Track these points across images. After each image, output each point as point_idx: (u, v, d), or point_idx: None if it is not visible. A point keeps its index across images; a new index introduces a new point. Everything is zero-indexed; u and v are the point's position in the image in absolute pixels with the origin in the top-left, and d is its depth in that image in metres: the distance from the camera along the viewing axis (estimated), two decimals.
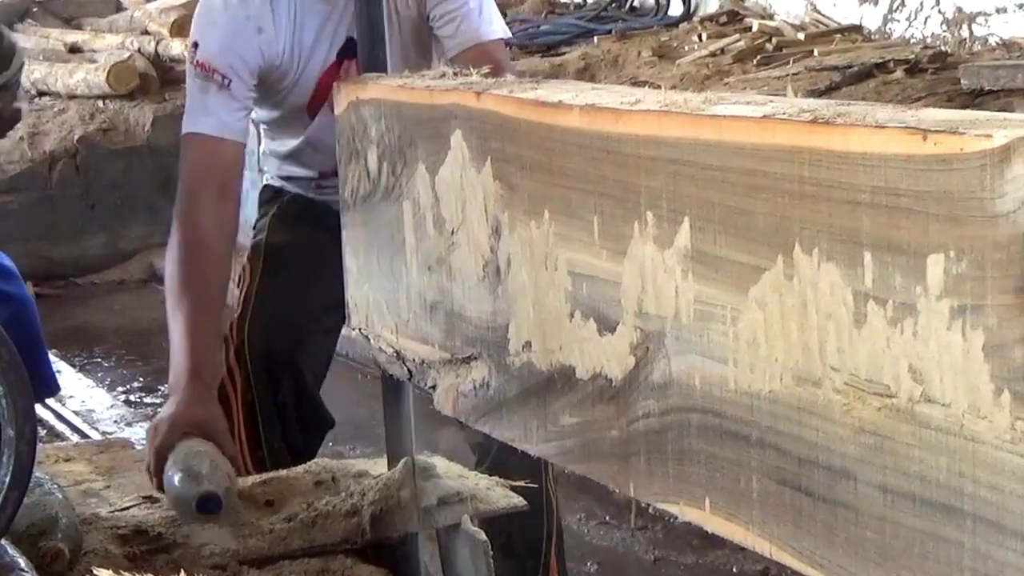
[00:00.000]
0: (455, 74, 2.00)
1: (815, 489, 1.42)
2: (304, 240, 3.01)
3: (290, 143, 3.06)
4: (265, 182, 3.25)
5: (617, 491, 1.72)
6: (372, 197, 2.16)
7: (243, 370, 2.93)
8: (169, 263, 2.69)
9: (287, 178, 3.15)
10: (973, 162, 1.21)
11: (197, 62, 2.77)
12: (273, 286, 3.00)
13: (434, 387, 2.06)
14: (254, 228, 3.17)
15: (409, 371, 2.13)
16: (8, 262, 3.54)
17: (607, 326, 1.67)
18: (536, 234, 1.76)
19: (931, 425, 1.28)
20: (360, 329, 2.29)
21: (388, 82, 2.11)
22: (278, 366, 2.93)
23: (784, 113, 1.41)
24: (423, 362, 2.08)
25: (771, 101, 1.48)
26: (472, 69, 2.17)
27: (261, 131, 3.20)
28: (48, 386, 3.62)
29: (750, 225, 1.44)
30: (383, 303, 2.19)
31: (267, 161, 3.21)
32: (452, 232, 1.95)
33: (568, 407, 1.76)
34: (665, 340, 1.58)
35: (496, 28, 2.89)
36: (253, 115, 3.09)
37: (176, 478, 2.33)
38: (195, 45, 2.79)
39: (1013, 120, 1.27)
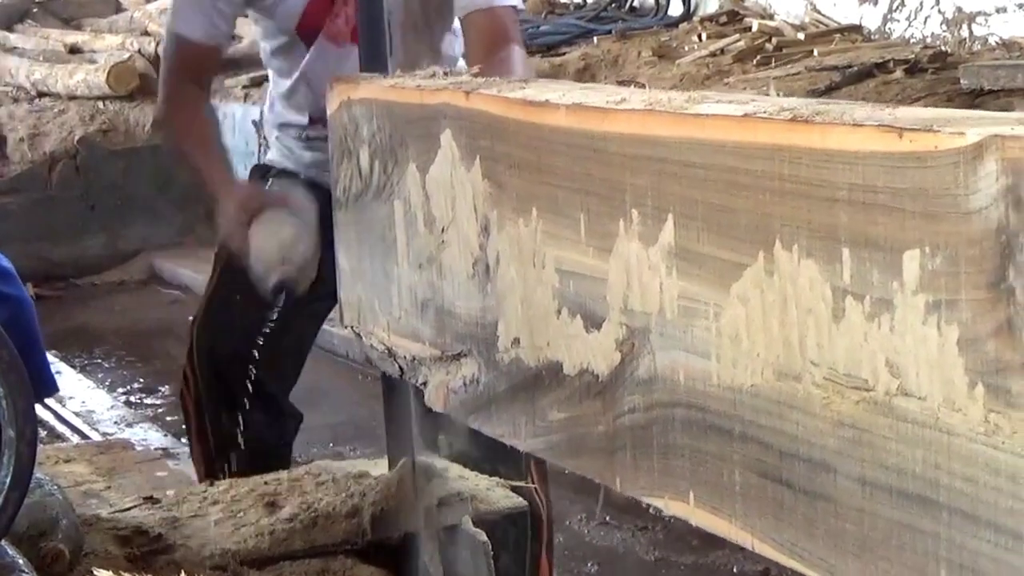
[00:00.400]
0: (445, 74, 2.03)
1: (796, 482, 1.44)
2: None
3: (288, 81, 3.13)
4: (259, 160, 3.33)
5: (604, 485, 1.75)
6: (364, 196, 2.19)
7: (194, 376, 2.99)
8: (169, 136, 3.23)
9: (283, 126, 3.18)
10: (947, 159, 1.24)
11: None
12: (228, 287, 3.02)
13: (425, 384, 2.09)
14: None
15: (400, 368, 2.17)
16: (6, 263, 3.57)
17: (593, 323, 1.70)
18: (524, 232, 1.79)
19: (907, 418, 1.31)
20: (352, 327, 2.32)
21: (379, 82, 2.14)
22: (229, 371, 2.97)
23: (765, 112, 1.44)
24: (414, 359, 2.12)
25: (753, 100, 1.51)
26: (479, 33, 2.21)
27: (270, 73, 3.28)
28: (47, 386, 3.65)
29: (732, 222, 1.47)
30: (375, 301, 2.22)
31: (272, 107, 3.27)
32: (442, 230, 1.98)
33: (556, 403, 1.79)
34: (650, 336, 1.61)
35: None
36: (260, 47, 3.21)
37: (256, 257, 2.61)
38: None
39: (986, 118, 1.30)
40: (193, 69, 3.07)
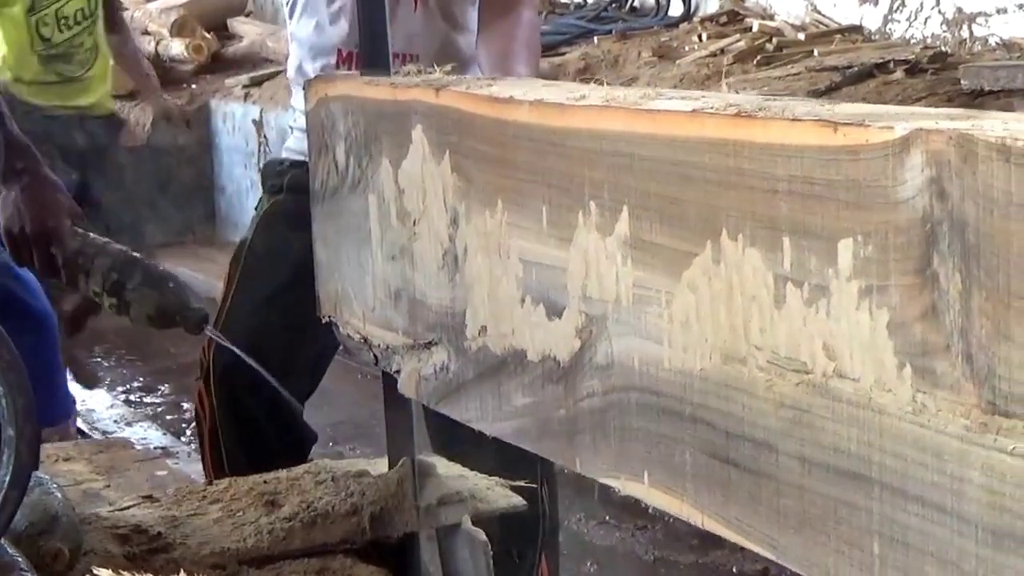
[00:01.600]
0: (418, 71, 2.12)
1: (741, 461, 1.53)
2: (294, 244, 2.86)
3: (313, 21, 3.04)
4: (258, 160, 3.29)
5: (566, 467, 1.84)
6: (340, 190, 2.28)
7: (209, 398, 2.96)
8: None
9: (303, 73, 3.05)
10: (877, 152, 1.32)
11: None
12: (247, 300, 2.98)
13: (398, 372, 2.18)
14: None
15: (375, 357, 2.25)
16: (29, 275, 3.58)
17: (555, 311, 1.78)
18: (491, 224, 1.88)
19: (842, 399, 1.39)
20: (330, 317, 2.41)
21: (355, 79, 2.23)
22: (249, 390, 2.91)
23: (712, 108, 1.52)
24: (388, 348, 2.20)
25: (703, 97, 1.60)
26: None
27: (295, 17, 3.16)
28: (66, 409, 3.64)
29: (682, 213, 1.56)
30: (351, 292, 2.30)
31: (292, 58, 3.17)
32: (414, 223, 2.07)
33: (520, 388, 1.88)
34: (607, 323, 1.70)
35: None
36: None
37: None
38: None
39: (915, 114, 1.38)
40: None
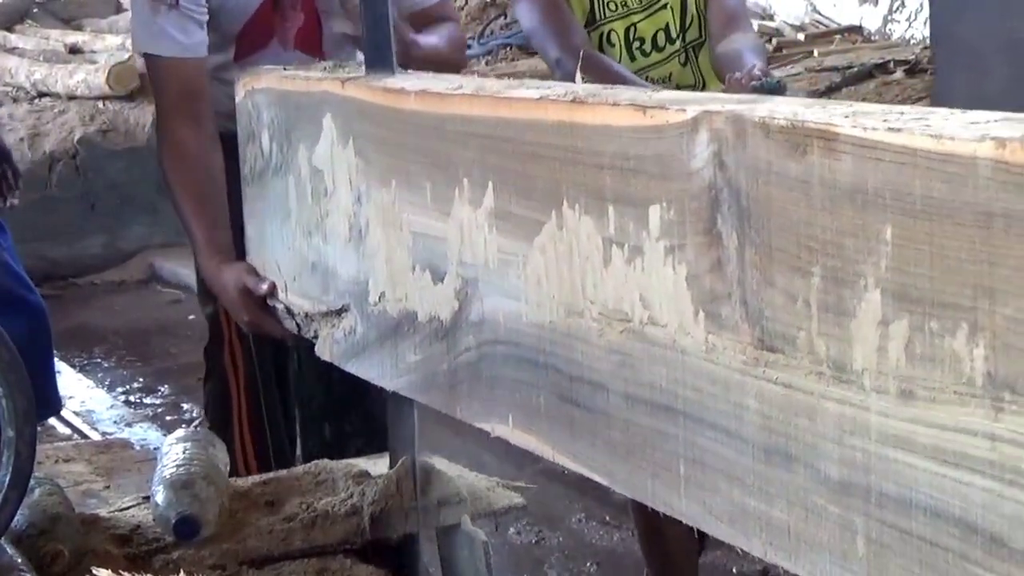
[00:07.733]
0: (336, 66, 2.46)
1: (582, 401, 1.83)
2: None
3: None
4: None
5: (447, 413, 2.14)
6: (266, 173, 2.61)
7: (244, 346, 3.15)
8: (167, 173, 2.91)
9: None
10: (675, 131, 1.63)
11: None
12: None
13: (316, 337, 2.50)
14: None
15: (297, 325, 2.57)
16: (21, 269, 3.83)
17: (438, 276, 2.10)
18: (386, 200, 2.20)
19: (656, 342, 1.69)
20: None
21: (277, 73, 2.57)
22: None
23: (555, 95, 1.84)
24: (307, 315, 2.52)
25: (552, 87, 1.91)
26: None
27: None
28: (52, 405, 3.85)
29: (533, 187, 1.87)
30: (276, 265, 2.63)
31: None
32: (326, 201, 2.40)
33: (412, 347, 2.20)
34: (479, 285, 2.01)
35: None
36: None
37: (159, 495, 2.42)
38: None
39: (711, 99, 1.69)
40: (185, 96, 2.87)
